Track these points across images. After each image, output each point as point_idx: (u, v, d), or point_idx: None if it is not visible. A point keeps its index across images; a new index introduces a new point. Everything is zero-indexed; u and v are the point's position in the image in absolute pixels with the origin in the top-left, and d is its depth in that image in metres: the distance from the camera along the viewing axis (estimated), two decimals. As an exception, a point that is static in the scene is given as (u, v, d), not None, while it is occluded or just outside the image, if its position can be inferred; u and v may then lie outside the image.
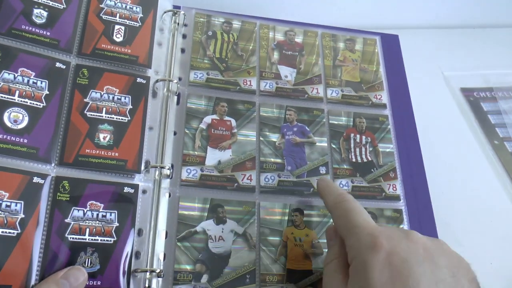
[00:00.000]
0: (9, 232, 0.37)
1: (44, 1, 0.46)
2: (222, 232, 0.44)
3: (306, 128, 0.51)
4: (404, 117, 0.54)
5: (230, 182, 0.46)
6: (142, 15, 0.50)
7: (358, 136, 0.52)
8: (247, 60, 0.53)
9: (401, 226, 0.48)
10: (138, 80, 0.47)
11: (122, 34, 0.48)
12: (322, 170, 0.49)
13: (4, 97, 0.41)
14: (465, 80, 0.71)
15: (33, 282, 0.36)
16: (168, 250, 0.42)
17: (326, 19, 0.60)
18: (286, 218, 0.46)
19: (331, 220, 0.45)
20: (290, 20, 0.58)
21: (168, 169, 0.45)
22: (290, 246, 0.44)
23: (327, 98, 0.53)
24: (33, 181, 0.39)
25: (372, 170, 0.50)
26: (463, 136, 0.65)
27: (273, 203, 0.46)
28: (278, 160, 0.48)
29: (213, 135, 0.48)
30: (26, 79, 0.42)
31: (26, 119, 0.41)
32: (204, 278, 0.41)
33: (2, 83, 0.41)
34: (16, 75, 0.42)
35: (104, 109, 0.44)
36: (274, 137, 0.49)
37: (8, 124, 0.40)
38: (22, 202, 0.38)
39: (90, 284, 0.38)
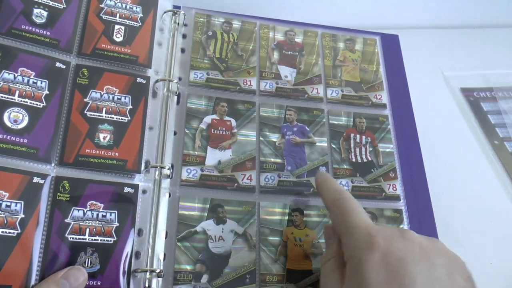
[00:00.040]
0: (9, 232, 0.37)
1: (44, 1, 0.46)
2: (222, 232, 0.44)
3: (306, 128, 0.51)
4: (404, 117, 0.54)
5: (230, 182, 0.46)
6: (142, 15, 0.50)
7: (358, 136, 0.52)
8: (247, 60, 0.53)
9: (401, 226, 0.48)
10: (138, 80, 0.47)
11: (122, 34, 0.48)
12: (322, 170, 0.49)
13: (4, 97, 0.41)
14: (465, 80, 0.71)
15: (33, 282, 0.36)
16: (168, 250, 0.42)
17: (326, 19, 0.60)
18: (286, 218, 0.46)
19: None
20: (290, 20, 0.58)
21: (168, 169, 0.45)
22: (290, 246, 0.44)
23: (327, 98, 0.53)
24: (33, 181, 0.39)
25: (372, 170, 0.50)
26: (463, 136, 0.65)
27: (273, 203, 0.46)
28: (278, 160, 0.48)
29: (213, 135, 0.48)
30: (26, 79, 0.42)
31: (26, 119, 0.41)
32: (204, 278, 0.41)
33: (2, 83, 0.41)
34: (16, 75, 0.42)
35: (104, 109, 0.44)
36: (274, 137, 0.49)
37: (8, 124, 0.40)
38: (22, 202, 0.38)
39: (90, 284, 0.38)
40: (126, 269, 0.39)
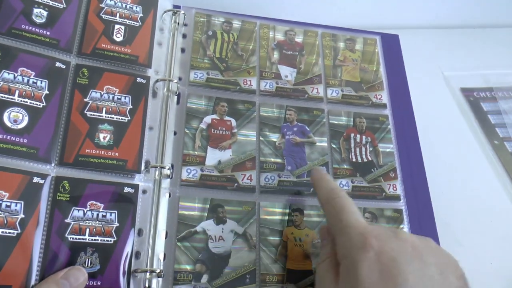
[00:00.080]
0: (9, 232, 0.37)
1: (44, 1, 0.46)
2: (222, 232, 0.44)
3: (306, 128, 0.51)
4: (404, 117, 0.54)
5: (230, 182, 0.46)
6: (142, 15, 0.50)
7: (358, 136, 0.52)
8: (247, 60, 0.53)
9: (401, 226, 0.48)
10: (138, 80, 0.47)
11: (122, 34, 0.48)
12: (322, 170, 0.49)
13: (4, 97, 0.41)
14: (465, 80, 0.71)
15: (33, 282, 0.36)
16: (168, 250, 0.42)
17: (326, 19, 0.60)
18: (286, 218, 0.46)
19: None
20: (290, 20, 0.58)
21: (168, 169, 0.45)
22: (290, 246, 0.44)
23: (327, 98, 0.53)
24: (33, 181, 0.39)
25: (372, 170, 0.50)
26: (463, 136, 0.65)
27: (273, 203, 0.46)
28: (278, 160, 0.48)
29: (213, 135, 0.48)
30: (26, 79, 0.42)
31: (26, 119, 0.41)
32: (204, 278, 0.41)
33: (2, 83, 0.41)
34: (16, 74, 0.42)
35: (104, 109, 0.44)
36: (274, 137, 0.49)
37: (8, 124, 0.40)
38: (22, 202, 0.38)
39: (90, 284, 0.38)
40: (126, 269, 0.39)
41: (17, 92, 0.41)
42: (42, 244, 0.38)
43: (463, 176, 0.60)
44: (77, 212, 0.40)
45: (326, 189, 0.41)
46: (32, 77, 0.42)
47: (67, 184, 0.40)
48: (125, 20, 0.49)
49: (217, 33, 0.54)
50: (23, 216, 0.38)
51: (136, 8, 0.50)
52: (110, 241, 0.40)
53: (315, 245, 0.45)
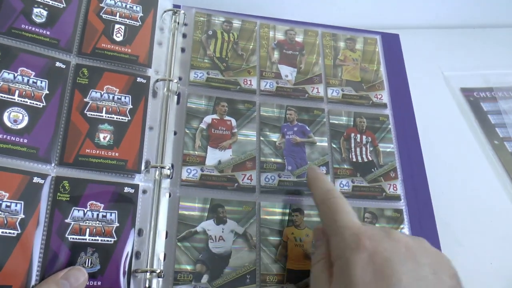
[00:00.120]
0: (9, 233, 0.37)
1: (44, 1, 0.46)
2: (223, 232, 0.44)
3: (307, 127, 0.51)
4: (405, 117, 0.54)
5: (230, 182, 0.46)
6: (142, 15, 0.50)
7: (358, 135, 0.52)
8: (248, 59, 0.53)
9: (402, 226, 0.48)
10: (138, 79, 0.47)
11: (122, 34, 0.48)
12: (323, 170, 0.49)
13: (4, 97, 0.41)
14: (465, 80, 0.71)
15: (33, 282, 0.36)
16: (168, 250, 0.42)
17: (326, 19, 0.60)
18: (287, 218, 0.46)
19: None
20: (291, 19, 0.58)
21: (168, 169, 0.45)
22: (291, 246, 0.44)
23: (327, 98, 0.53)
24: (33, 181, 0.39)
25: (373, 170, 0.50)
26: (463, 136, 0.65)
27: (274, 203, 0.46)
28: (279, 160, 0.48)
29: (213, 135, 0.48)
30: (26, 79, 0.42)
31: (26, 119, 0.41)
32: (205, 278, 0.41)
33: (2, 83, 0.41)
34: (16, 74, 0.42)
35: (104, 109, 0.44)
36: (275, 137, 0.49)
37: (8, 124, 0.40)
38: (22, 202, 0.38)
39: (91, 284, 0.38)
40: (126, 269, 0.39)
41: (17, 92, 0.41)
42: (42, 244, 0.38)
43: (463, 176, 0.60)
44: (77, 212, 0.40)
45: (321, 189, 0.41)
46: (32, 77, 0.42)
47: (67, 184, 0.40)
48: (125, 19, 0.49)
49: (217, 33, 0.54)
50: (23, 216, 0.38)
51: (136, 7, 0.50)
52: (110, 241, 0.40)
53: (315, 245, 0.45)
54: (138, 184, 0.43)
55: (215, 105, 0.49)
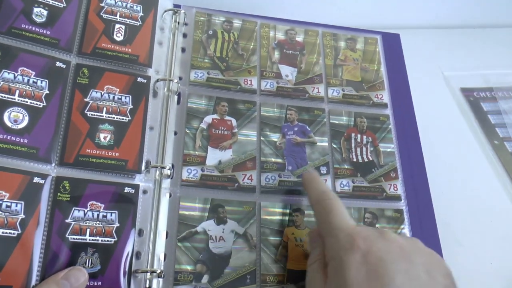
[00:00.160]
0: (10, 233, 0.37)
1: (44, 0, 0.46)
2: (223, 232, 0.43)
3: (307, 127, 0.51)
4: (405, 117, 0.54)
5: (230, 182, 0.46)
6: (142, 14, 0.50)
7: (359, 135, 0.52)
8: (248, 59, 0.53)
9: (402, 226, 0.48)
10: (139, 79, 0.47)
11: (123, 33, 0.48)
12: (323, 170, 0.49)
13: (4, 97, 0.41)
14: (465, 80, 0.71)
15: (33, 282, 0.36)
16: (168, 250, 0.42)
17: (327, 19, 0.60)
18: (287, 218, 0.46)
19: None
20: (291, 19, 0.58)
21: (168, 169, 0.44)
22: (291, 246, 0.44)
23: (328, 98, 0.53)
24: (34, 181, 0.39)
25: (373, 170, 0.50)
26: (463, 136, 0.65)
27: (274, 203, 0.46)
28: (279, 160, 0.48)
29: (214, 135, 0.48)
30: (26, 79, 0.42)
31: (26, 119, 0.41)
32: (205, 279, 0.41)
33: (2, 83, 0.41)
34: (16, 74, 0.42)
35: (105, 108, 0.44)
36: (275, 137, 0.49)
37: (8, 124, 0.40)
38: (23, 202, 0.38)
39: (91, 284, 0.38)
40: (126, 269, 0.39)
41: (17, 92, 0.41)
42: (43, 244, 0.38)
43: (463, 176, 0.60)
44: (77, 212, 0.40)
45: (317, 191, 0.42)
46: (32, 76, 0.42)
47: (68, 184, 0.40)
48: (126, 19, 0.49)
49: (217, 33, 0.54)
50: (23, 216, 0.38)
51: (137, 7, 0.50)
52: (111, 241, 0.40)
53: (311, 247, 0.45)
54: (139, 184, 0.43)
55: (216, 105, 0.49)
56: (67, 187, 0.40)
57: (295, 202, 0.46)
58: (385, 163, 0.51)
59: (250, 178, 0.46)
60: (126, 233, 0.40)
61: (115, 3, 0.49)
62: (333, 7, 0.74)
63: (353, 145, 0.51)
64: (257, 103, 0.51)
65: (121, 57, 0.47)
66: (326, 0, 0.72)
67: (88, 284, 0.38)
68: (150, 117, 0.46)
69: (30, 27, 0.44)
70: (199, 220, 0.43)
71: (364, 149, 0.51)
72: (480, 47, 0.76)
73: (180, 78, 0.50)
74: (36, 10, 0.45)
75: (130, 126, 0.44)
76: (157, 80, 0.48)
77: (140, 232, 0.41)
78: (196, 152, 0.46)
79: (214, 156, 0.47)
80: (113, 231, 0.40)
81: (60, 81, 0.44)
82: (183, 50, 0.52)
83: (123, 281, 0.39)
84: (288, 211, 0.46)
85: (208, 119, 0.48)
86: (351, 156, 0.50)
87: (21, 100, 0.41)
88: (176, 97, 0.49)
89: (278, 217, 0.45)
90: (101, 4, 0.48)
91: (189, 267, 0.41)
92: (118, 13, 0.49)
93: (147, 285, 0.40)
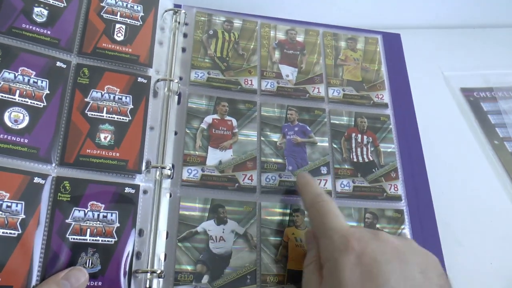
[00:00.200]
0: (10, 233, 0.37)
1: (44, 0, 0.46)
2: (223, 232, 0.43)
3: (307, 128, 0.51)
4: (406, 117, 0.54)
5: (231, 182, 0.46)
6: (143, 14, 0.50)
7: (359, 136, 0.52)
8: (248, 59, 0.53)
9: (402, 226, 0.48)
10: (139, 79, 0.47)
11: (123, 33, 0.48)
12: (323, 170, 0.49)
13: (5, 97, 0.40)
14: (465, 80, 0.71)
15: (34, 282, 0.36)
16: (169, 250, 0.42)
17: (327, 19, 0.60)
18: (287, 218, 0.46)
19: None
20: (291, 19, 0.58)
21: (169, 169, 0.44)
22: (291, 247, 0.44)
23: (328, 98, 0.53)
24: (34, 181, 0.39)
25: (374, 170, 0.50)
26: (463, 136, 0.65)
27: (274, 203, 0.46)
28: (279, 160, 0.48)
29: (214, 135, 0.48)
30: (26, 79, 0.42)
31: (27, 118, 0.41)
32: (205, 279, 0.41)
33: (2, 83, 0.41)
34: (16, 74, 0.42)
35: (105, 108, 0.44)
36: (275, 137, 0.49)
37: (9, 124, 0.40)
38: (23, 202, 0.38)
39: (91, 284, 0.38)
40: (127, 269, 0.39)
41: (17, 91, 0.41)
42: (43, 244, 0.38)
43: (463, 176, 0.60)
44: (78, 213, 0.40)
45: (311, 193, 0.42)
46: (32, 76, 0.42)
47: (68, 185, 0.40)
48: (126, 19, 0.49)
49: (218, 33, 0.54)
50: (23, 216, 0.37)
51: (137, 7, 0.50)
52: (111, 241, 0.40)
53: (306, 248, 0.45)
54: (139, 185, 0.43)
55: (216, 105, 0.49)
56: (67, 187, 0.40)
57: (295, 202, 0.46)
58: (386, 163, 0.51)
59: (250, 178, 0.46)
60: (127, 233, 0.40)
61: (116, 3, 0.49)
62: (334, 7, 0.74)
63: (353, 145, 0.51)
64: (257, 103, 0.51)
65: (122, 57, 0.47)
66: (326, 0, 0.72)
67: (88, 284, 0.38)
68: (150, 117, 0.46)
69: (30, 27, 0.44)
70: (200, 220, 0.43)
71: (364, 149, 0.51)
72: (480, 47, 0.76)
73: (181, 78, 0.50)
74: (36, 9, 0.45)
75: (130, 126, 0.44)
76: (158, 80, 0.48)
77: (141, 232, 0.41)
78: (197, 152, 0.46)
79: (214, 156, 0.47)
80: (114, 231, 0.40)
81: (61, 81, 0.44)
82: (183, 50, 0.52)
83: (123, 281, 0.39)
84: (288, 211, 0.46)
85: (209, 119, 0.48)
86: (351, 156, 0.50)
87: (22, 100, 0.41)
88: (176, 97, 0.49)
89: (278, 217, 0.45)
90: (101, 4, 0.48)
91: (189, 267, 0.41)
92: (119, 13, 0.49)
93: (147, 285, 0.40)
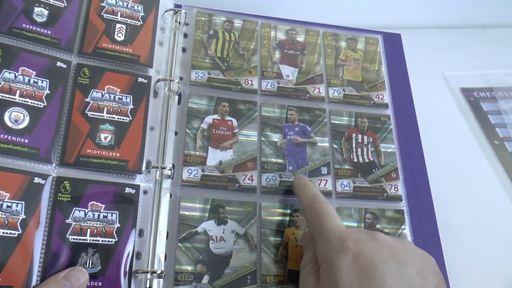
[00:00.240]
0: (10, 233, 0.37)
1: (45, 0, 0.45)
2: (223, 232, 0.43)
3: (308, 128, 0.51)
4: (406, 117, 0.54)
5: (231, 183, 0.46)
6: (143, 14, 0.50)
7: (359, 136, 0.52)
8: (249, 59, 0.53)
9: (403, 227, 0.48)
10: (139, 79, 0.47)
11: (123, 33, 0.48)
12: (324, 170, 0.49)
13: (5, 97, 0.40)
14: (465, 80, 0.71)
15: (34, 283, 0.36)
16: (169, 250, 0.42)
17: (327, 19, 0.60)
18: (287, 218, 0.46)
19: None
20: (292, 19, 0.58)
21: (169, 169, 0.44)
22: (291, 247, 0.44)
23: (328, 98, 0.53)
24: (34, 181, 0.39)
25: (374, 170, 0.50)
26: (463, 136, 0.65)
27: (274, 203, 0.46)
28: (280, 160, 0.48)
29: (214, 135, 0.48)
30: (27, 79, 0.42)
31: (27, 119, 0.41)
32: (205, 279, 0.41)
33: (2, 83, 0.41)
34: (17, 74, 0.42)
35: (105, 109, 0.44)
36: (276, 137, 0.49)
37: (9, 124, 0.40)
38: (23, 202, 0.38)
39: (91, 284, 0.38)
40: (127, 269, 0.39)
41: (18, 91, 0.41)
42: (43, 244, 0.38)
43: (463, 176, 0.60)
44: (78, 213, 0.40)
45: (308, 195, 0.42)
46: (33, 76, 0.42)
47: (68, 185, 0.40)
48: (126, 19, 0.49)
49: (218, 33, 0.54)
50: (24, 216, 0.37)
51: (138, 7, 0.50)
52: (111, 241, 0.40)
53: (304, 249, 0.45)
54: (139, 185, 0.43)
55: (216, 105, 0.49)
56: (67, 187, 0.40)
57: (295, 202, 0.46)
58: (386, 164, 0.51)
59: (250, 178, 0.46)
60: (127, 234, 0.40)
61: (116, 3, 0.49)
62: (334, 7, 0.74)
63: (354, 145, 0.51)
64: (257, 103, 0.51)
65: (122, 57, 0.47)
66: (326, 0, 0.72)
67: (88, 284, 0.38)
68: (150, 117, 0.46)
69: (30, 26, 0.44)
70: (200, 221, 0.43)
71: (365, 149, 0.51)
72: (480, 47, 0.76)
73: (181, 78, 0.50)
74: (36, 9, 0.45)
75: (130, 126, 0.44)
76: (158, 80, 0.48)
77: (141, 233, 0.41)
78: (197, 152, 0.46)
79: (214, 157, 0.47)
80: (114, 232, 0.40)
81: (61, 81, 0.44)
82: (184, 50, 0.52)
83: (123, 281, 0.39)
84: (288, 211, 0.46)
85: (209, 119, 0.48)
86: (352, 157, 0.50)
87: (22, 100, 0.41)
88: (176, 97, 0.48)
89: (278, 218, 0.45)
90: (102, 4, 0.48)
91: (189, 268, 0.41)
92: (119, 13, 0.49)
93: (148, 286, 0.40)
